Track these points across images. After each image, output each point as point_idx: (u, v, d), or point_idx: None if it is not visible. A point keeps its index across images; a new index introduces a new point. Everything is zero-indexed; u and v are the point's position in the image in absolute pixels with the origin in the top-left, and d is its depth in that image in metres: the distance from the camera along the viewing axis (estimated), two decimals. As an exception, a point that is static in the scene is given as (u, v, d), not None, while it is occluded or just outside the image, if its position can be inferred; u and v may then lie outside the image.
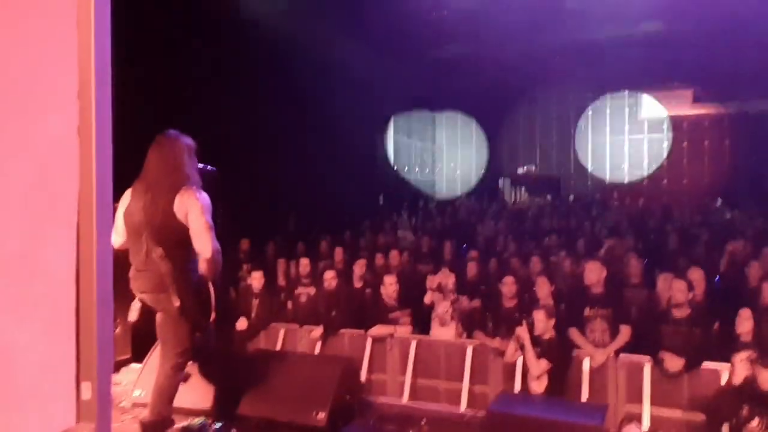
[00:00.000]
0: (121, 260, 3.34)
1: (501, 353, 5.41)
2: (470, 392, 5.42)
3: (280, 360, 4.58)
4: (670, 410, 4.90)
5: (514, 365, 5.21)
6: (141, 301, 3.57)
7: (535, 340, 4.94)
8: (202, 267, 3.37)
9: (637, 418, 4.76)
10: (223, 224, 3.72)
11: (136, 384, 4.42)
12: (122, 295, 3.62)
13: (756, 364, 4.11)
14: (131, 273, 3.47)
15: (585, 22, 12.25)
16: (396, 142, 17.68)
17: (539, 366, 4.83)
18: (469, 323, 6.05)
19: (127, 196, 3.50)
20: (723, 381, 4.71)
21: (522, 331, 4.95)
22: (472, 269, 7.21)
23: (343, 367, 4.29)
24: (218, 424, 3.90)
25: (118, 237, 3.45)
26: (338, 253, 8.21)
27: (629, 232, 10.10)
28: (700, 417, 4.63)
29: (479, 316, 6.10)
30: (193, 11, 8.63)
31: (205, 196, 3.36)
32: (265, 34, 9.89)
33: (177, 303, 3.31)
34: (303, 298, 7.00)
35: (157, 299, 3.44)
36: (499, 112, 18.66)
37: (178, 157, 3.42)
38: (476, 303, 6.46)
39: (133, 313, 3.66)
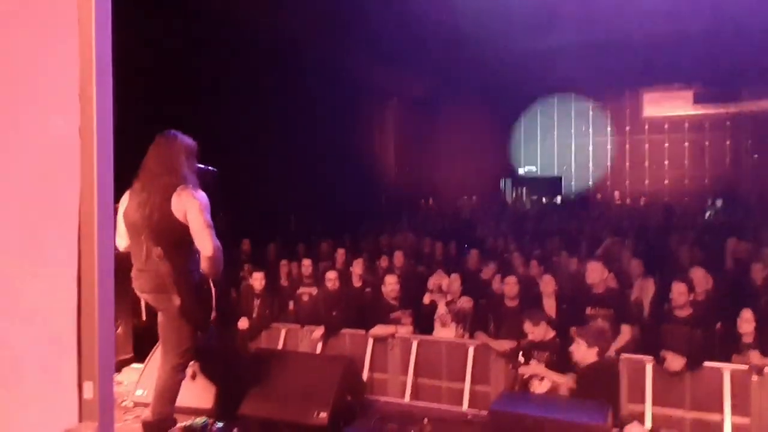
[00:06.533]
0: (123, 260, 3.35)
1: (503, 354, 5.42)
2: (472, 392, 5.42)
3: (282, 360, 4.58)
4: (672, 409, 4.90)
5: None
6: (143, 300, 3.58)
7: (540, 346, 4.90)
8: (204, 265, 3.37)
9: (639, 418, 4.76)
10: (224, 225, 3.72)
11: (137, 383, 4.43)
12: (124, 295, 3.64)
13: None
14: (133, 273, 3.48)
15: (586, 22, 12.25)
16: (398, 143, 17.68)
17: (569, 381, 4.69)
18: (470, 324, 6.06)
19: (126, 197, 3.51)
20: (725, 380, 4.72)
21: (528, 369, 4.82)
22: (472, 269, 7.21)
23: (345, 367, 4.28)
24: (220, 424, 3.90)
25: (122, 240, 3.46)
26: (340, 254, 8.22)
27: (630, 233, 10.10)
28: (701, 416, 4.63)
29: (480, 316, 6.11)
30: (195, 12, 8.64)
31: (202, 195, 3.36)
32: (266, 36, 9.92)
33: (177, 302, 3.32)
34: (305, 298, 7.01)
35: (158, 299, 3.44)
36: (500, 113, 18.68)
37: (176, 157, 3.42)
38: (478, 303, 6.46)
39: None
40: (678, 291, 5.19)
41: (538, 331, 5.00)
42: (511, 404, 3.73)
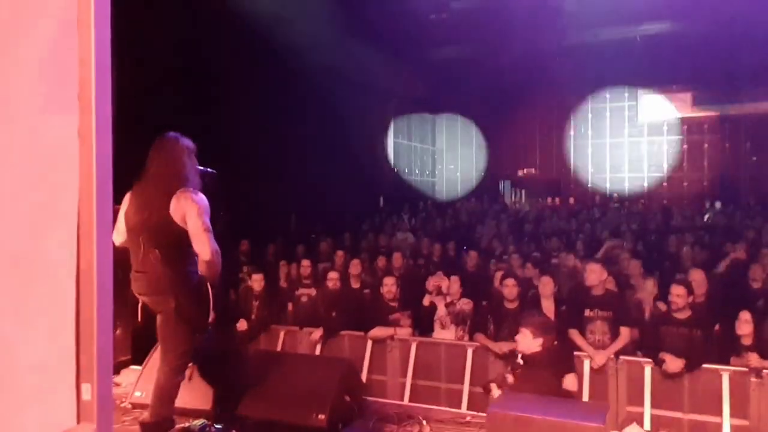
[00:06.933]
0: (122, 262, 3.35)
1: (501, 356, 5.41)
2: (471, 393, 5.42)
3: (281, 361, 4.58)
4: (671, 411, 4.90)
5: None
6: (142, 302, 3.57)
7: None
8: (202, 268, 3.37)
9: (638, 420, 4.75)
10: (223, 226, 3.72)
11: (136, 385, 4.42)
12: (123, 296, 3.63)
13: None
14: (131, 275, 3.48)
15: (584, 24, 12.27)
16: (396, 144, 17.70)
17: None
18: (469, 325, 6.05)
19: (127, 198, 3.51)
20: (724, 382, 4.73)
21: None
22: (471, 271, 7.21)
23: (344, 369, 4.28)
24: (218, 426, 3.89)
25: (119, 236, 3.45)
26: (339, 255, 8.22)
27: (629, 235, 10.10)
28: (700, 418, 4.63)
29: (480, 318, 6.11)
30: (195, 12, 8.64)
31: (202, 198, 3.36)
32: (266, 36, 9.91)
33: (173, 304, 3.32)
34: (304, 299, 7.00)
35: (156, 301, 3.44)
36: (499, 115, 18.67)
37: (177, 159, 3.42)
38: (477, 305, 6.45)
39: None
40: (677, 293, 5.19)
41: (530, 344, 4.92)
42: (509, 406, 3.71)
